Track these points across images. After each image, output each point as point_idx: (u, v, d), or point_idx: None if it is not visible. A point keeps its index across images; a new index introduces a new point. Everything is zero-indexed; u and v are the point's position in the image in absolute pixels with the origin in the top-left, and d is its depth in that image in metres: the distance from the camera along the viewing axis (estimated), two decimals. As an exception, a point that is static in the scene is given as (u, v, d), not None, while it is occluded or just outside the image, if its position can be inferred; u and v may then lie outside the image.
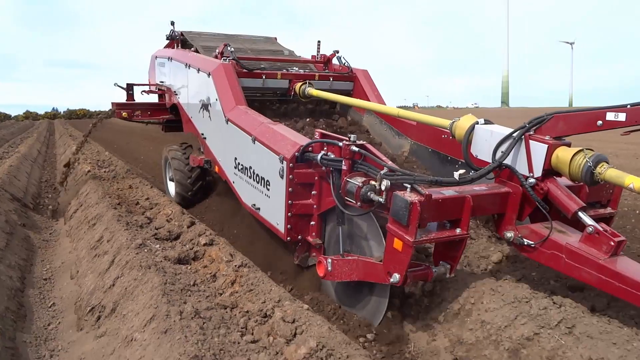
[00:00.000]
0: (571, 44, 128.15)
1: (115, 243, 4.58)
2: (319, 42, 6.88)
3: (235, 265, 3.93)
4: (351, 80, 6.36)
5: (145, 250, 4.21)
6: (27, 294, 4.30)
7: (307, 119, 5.97)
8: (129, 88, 8.00)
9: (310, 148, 3.62)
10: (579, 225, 3.02)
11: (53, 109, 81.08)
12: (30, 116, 74.50)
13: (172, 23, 7.37)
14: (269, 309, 3.16)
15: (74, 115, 72.52)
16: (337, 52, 6.56)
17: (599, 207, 3.48)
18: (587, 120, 2.86)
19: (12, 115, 75.44)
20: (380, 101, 6.05)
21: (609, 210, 3.48)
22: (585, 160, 2.77)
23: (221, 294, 3.63)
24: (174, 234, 5.06)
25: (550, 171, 3.01)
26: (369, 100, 5.99)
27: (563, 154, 2.88)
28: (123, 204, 6.37)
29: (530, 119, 3.11)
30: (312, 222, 3.79)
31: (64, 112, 77.89)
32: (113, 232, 4.89)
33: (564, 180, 3.08)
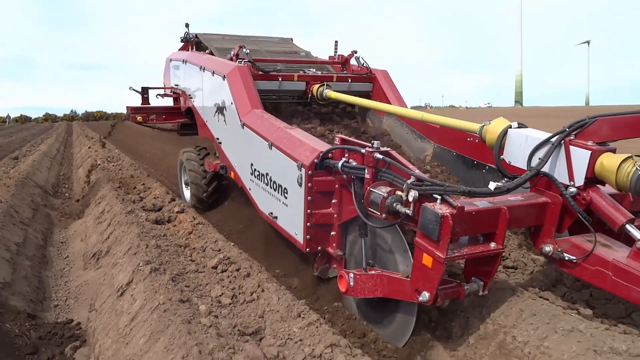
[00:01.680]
0: (587, 42, 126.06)
1: (112, 212, 6.17)
2: (336, 42, 6.68)
3: (194, 223, 5.45)
4: (370, 81, 6.15)
5: (133, 215, 5.73)
6: (48, 250, 5.95)
7: (326, 123, 5.76)
8: (144, 92, 7.90)
9: (330, 155, 3.41)
10: (623, 238, 2.77)
11: (71, 111, 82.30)
12: (49, 118, 75.63)
13: (187, 25, 7.24)
14: (208, 246, 4.71)
15: (91, 118, 73.46)
16: (355, 52, 6.35)
17: (640, 217, 3.22)
18: (636, 124, 2.61)
19: (32, 118, 76.71)
20: (401, 102, 5.83)
21: (653, 220, 3.22)
22: (635, 168, 2.52)
23: (180, 239, 5.18)
24: (158, 206, 6.50)
25: (593, 179, 2.76)
26: (389, 101, 5.77)
27: (609, 161, 2.63)
28: (123, 187, 7.87)
29: (570, 122, 2.86)
30: (333, 233, 3.59)
31: (82, 114, 78.98)
32: (112, 205, 6.46)
33: (606, 189, 2.84)
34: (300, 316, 3.10)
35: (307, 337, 2.84)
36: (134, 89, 7.95)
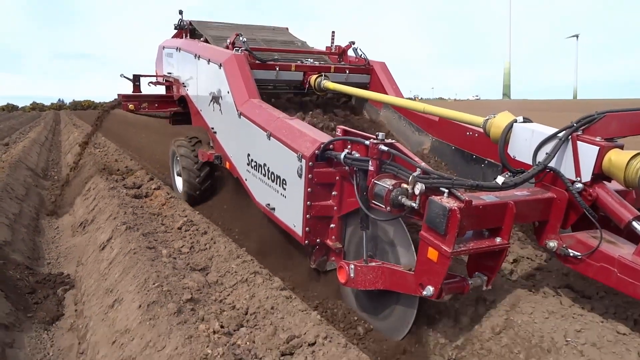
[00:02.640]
0: (576, 36, 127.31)
1: (97, 189, 7.04)
2: (333, 32, 6.60)
3: (168, 197, 6.18)
4: (368, 72, 6.08)
5: (115, 190, 6.51)
6: (41, 223, 6.84)
7: (323, 114, 5.68)
8: (136, 79, 7.73)
9: (331, 146, 3.35)
10: (626, 235, 2.76)
11: (59, 100, 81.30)
12: (36, 107, 74.59)
13: (181, 12, 7.10)
14: (177, 214, 5.43)
15: (79, 107, 72.53)
16: (353, 43, 6.27)
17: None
18: (647, 120, 2.59)
19: (20, 107, 75.58)
20: (399, 94, 5.78)
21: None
22: (644, 165, 2.49)
23: (154, 209, 5.84)
24: (137, 184, 7.12)
25: (600, 175, 2.73)
26: (386, 93, 5.71)
27: (617, 158, 2.60)
28: (107, 169, 8.50)
29: (578, 117, 2.82)
30: (332, 225, 3.53)
31: (69, 103, 77.97)
32: (97, 184, 7.33)
33: (612, 185, 2.81)
34: (239, 257, 4.01)
35: (240, 270, 3.74)
36: (125, 77, 7.79)
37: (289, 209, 3.71)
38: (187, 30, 7.08)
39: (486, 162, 4.36)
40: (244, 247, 4.42)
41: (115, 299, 3.61)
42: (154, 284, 3.41)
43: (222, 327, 2.91)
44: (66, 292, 4.43)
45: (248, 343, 2.81)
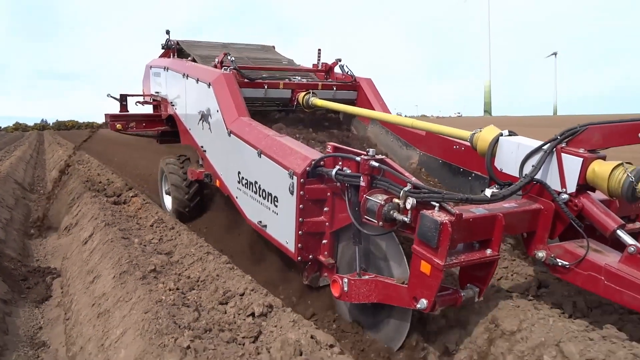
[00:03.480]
0: (554, 54, 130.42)
1: (80, 198, 7.91)
2: (319, 50, 6.69)
3: (144, 202, 6.93)
4: (355, 89, 6.17)
5: (97, 198, 7.31)
6: (28, 228, 7.60)
7: (311, 131, 5.74)
8: (123, 99, 7.74)
9: (322, 162, 3.40)
10: (611, 243, 2.83)
11: (42, 120, 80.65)
12: (19, 127, 73.91)
13: (168, 32, 7.15)
14: (150, 215, 6.24)
15: (62, 127, 71.96)
16: (340, 60, 6.37)
17: (627, 222, 3.30)
18: (627, 132, 2.68)
19: (2, 127, 74.81)
20: (386, 110, 5.87)
21: (638, 225, 3.29)
22: (626, 175, 2.58)
23: (130, 213, 6.69)
24: (117, 193, 7.85)
25: (585, 186, 2.81)
26: (373, 109, 5.79)
27: (600, 168, 2.69)
28: (90, 181, 9.43)
29: (562, 130, 2.91)
30: (325, 241, 3.57)
31: (53, 123, 77.36)
32: (80, 193, 8.22)
33: (597, 195, 2.90)
34: (197, 244, 4.82)
35: (197, 252, 4.58)
36: (112, 96, 7.79)
37: (281, 225, 3.74)
38: (175, 49, 7.13)
39: (473, 175, 4.44)
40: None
41: (95, 276, 4.46)
42: (125, 261, 4.28)
43: (177, 288, 3.73)
44: (53, 280, 5.23)
45: (196, 298, 3.66)
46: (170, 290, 3.64)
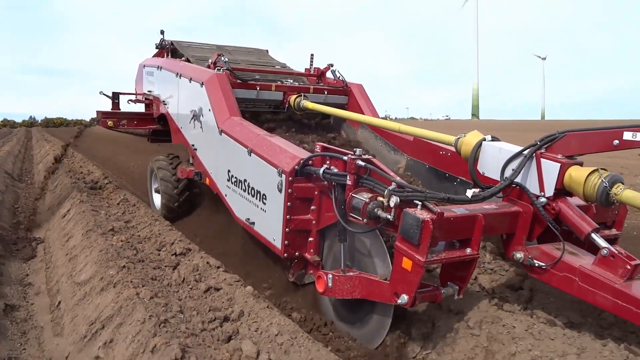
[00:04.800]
0: (543, 58, 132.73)
1: (62, 184, 9.23)
2: (312, 55, 6.80)
3: (115, 188, 8.40)
4: (346, 94, 6.28)
5: (76, 185, 8.65)
6: (18, 210, 8.58)
7: (301, 133, 5.83)
8: (115, 97, 7.77)
9: (310, 162, 3.49)
10: (588, 247, 2.94)
11: (30, 117, 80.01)
12: (7, 124, 73.24)
13: (162, 32, 7.22)
14: (118, 197, 7.54)
15: (51, 124, 71.40)
16: (332, 65, 6.47)
17: (603, 228, 3.42)
18: (603, 140, 2.80)
19: (-11, 124, 74.15)
20: (375, 115, 5.98)
21: (614, 231, 3.41)
22: (600, 180, 2.69)
23: (103, 195, 8.03)
24: (94, 181, 9.27)
25: (562, 190, 2.93)
26: (363, 114, 5.90)
27: (577, 174, 2.80)
28: (72, 171, 10.80)
29: (542, 136, 3.03)
30: (311, 239, 3.65)
31: (41, 120, 76.74)
32: (63, 181, 9.47)
33: (574, 200, 3.01)
34: (153, 217, 6.08)
35: (149, 220, 5.93)
36: (104, 94, 7.82)
37: (269, 223, 3.81)
38: (169, 49, 7.19)
39: (458, 180, 4.54)
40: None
41: (69, 236, 5.75)
42: (92, 224, 5.57)
43: (127, 241, 5.08)
44: (38, 245, 6.28)
45: (140, 246, 4.98)
46: (121, 241, 5.04)
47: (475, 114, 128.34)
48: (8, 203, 8.76)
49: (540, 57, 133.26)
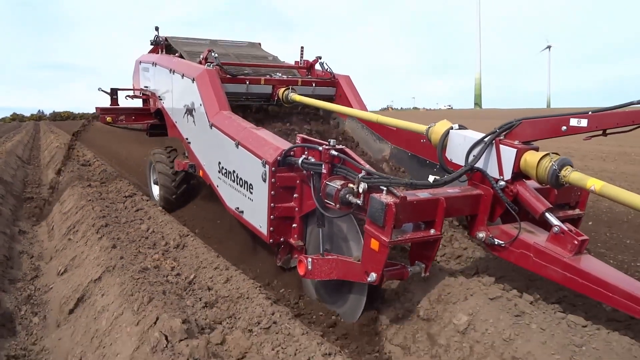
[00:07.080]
0: (548, 47, 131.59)
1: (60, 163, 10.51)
2: (302, 47, 6.99)
3: (100, 164, 10.97)
4: (333, 85, 6.48)
5: (71, 163, 10.62)
6: (27, 181, 11.19)
7: (290, 125, 6.06)
8: (113, 93, 8.03)
9: (292, 152, 3.73)
10: (548, 226, 3.18)
11: (39, 111, 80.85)
12: (17, 118, 74.32)
13: (157, 28, 7.43)
14: (102, 171, 9.98)
15: (58, 118, 72.25)
16: (320, 57, 6.67)
17: (567, 209, 3.65)
18: (552, 126, 3.02)
19: (0, 118, 75.24)
20: (362, 106, 6.18)
21: (577, 211, 3.65)
22: (551, 163, 2.92)
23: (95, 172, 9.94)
24: (87, 161, 11.59)
25: (520, 174, 3.16)
26: (350, 105, 6.11)
27: (531, 158, 3.03)
28: (71, 157, 11.51)
29: (501, 124, 3.25)
30: (294, 225, 3.91)
31: (49, 114, 77.61)
32: (60, 160, 10.70)
33: (532, 183, 3.24)
34: (140, 197, 7.01)
35: (140, 202, 6.80)
36: (103, 90, 8.08)
37: (256, 211, 4.07)
38: (163, 46, 7.41)
39: (438, 166, 4.77)
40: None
41: (64, 204, 7.28)
42: (83, 196, 6.95)
43: (98, 192, 7.23)
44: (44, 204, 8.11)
45: (123, 219, 5.98)
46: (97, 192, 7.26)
47: (477, 103, 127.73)
48: (19, 178, 11.53)
49: (546, 48, 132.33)
